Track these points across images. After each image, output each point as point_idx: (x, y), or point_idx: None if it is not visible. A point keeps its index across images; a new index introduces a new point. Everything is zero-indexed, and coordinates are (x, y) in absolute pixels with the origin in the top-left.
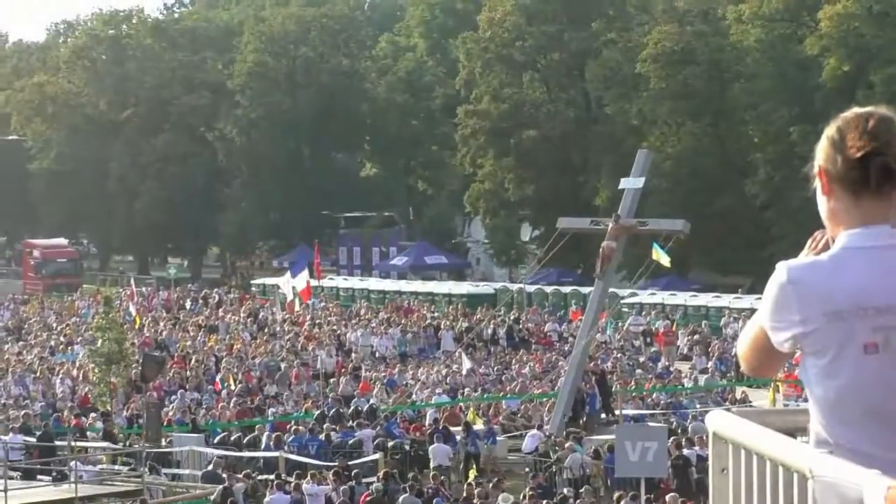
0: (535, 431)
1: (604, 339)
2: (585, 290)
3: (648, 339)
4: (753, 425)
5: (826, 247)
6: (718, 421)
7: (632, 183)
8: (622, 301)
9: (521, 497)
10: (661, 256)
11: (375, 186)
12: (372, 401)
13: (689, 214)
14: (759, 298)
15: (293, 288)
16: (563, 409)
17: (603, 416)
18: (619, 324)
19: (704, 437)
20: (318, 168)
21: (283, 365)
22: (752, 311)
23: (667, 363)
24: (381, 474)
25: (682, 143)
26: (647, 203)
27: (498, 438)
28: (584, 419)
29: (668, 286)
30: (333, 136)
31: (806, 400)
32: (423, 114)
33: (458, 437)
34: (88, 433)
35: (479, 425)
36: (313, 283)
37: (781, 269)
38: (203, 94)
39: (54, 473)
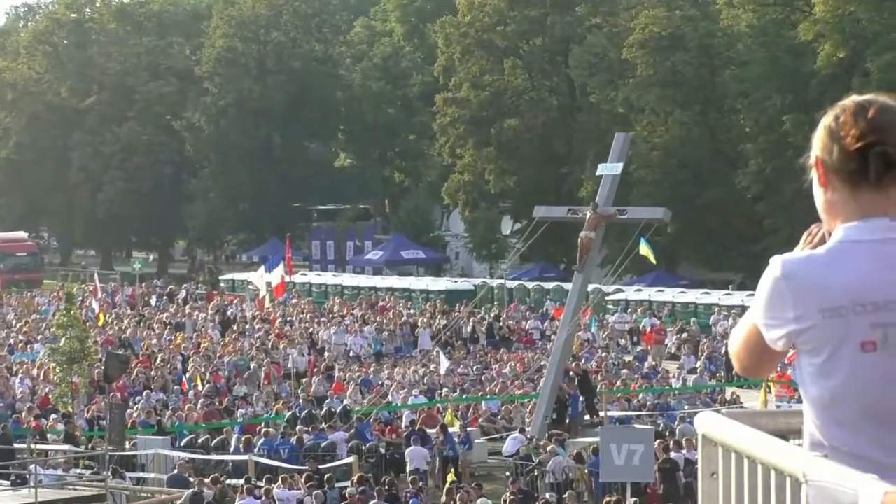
0: (516, 434)
1: (587, 336)
2: (568, 286)
3: (635, 338)
4: (744, 427)
5: (822, 241)
6: (708, 423)
7: (609, 169)
8: (607, 297)
9: (502, 502)
10: (649, 253)
11: (350, 177)
12: (346, 402)
13: (678, 207)
14: (751, 295)
15: (267, 283)
16: (544, 411)
17: (587, 417)
18: (604, 321)
19: (693, 440)
20: (290, 158)
21: (252, 364)
22: (744, 308)
23: (654, 363)
24: (355, 479)
25: (670, 132)
26: (632, 194)
27: (477, 441)
28: (568, 421)
29: (656, 282)
30: (306, 124)
31: (799, 401)
32: (399, 102)
33: (433, 441)
34: (49, 436)
35: (456, 427)
36: (287, 278)
37: (775, 264)
38: (170, 80)
39: (13, 478)
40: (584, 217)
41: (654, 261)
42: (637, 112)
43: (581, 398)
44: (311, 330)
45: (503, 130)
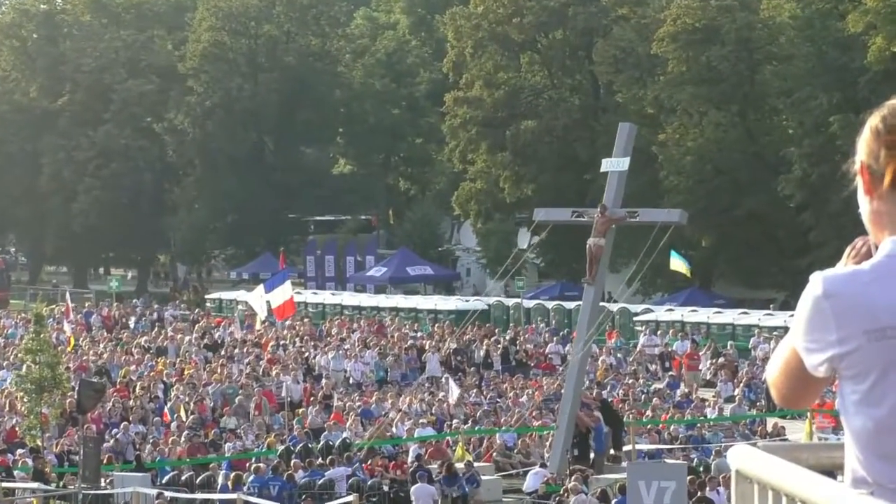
0: (538, 469)
1: (611, 361)
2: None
3: (667, 363)
4: (783, 462)
5: (868, 255)
6: (742, 457)
7: (615, 164)
8: (635, 318)
9: None
10: (681, 265)
11: (350, 186)
12: (345, 434)
13: (714, 218)
14: (794, 315)
15: (268, 303)
16: (562, 444)
17: (612, 451)
18: (632, 344)
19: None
20: (284, 164)
21: (241, 393)
22: (787, 329)
23: (687, 390)
24: None
25: (704, 135)
26: (663, 204)
27: (490, 478)
28: (593, 456)
29: (689, 301)
30: (301, 127)
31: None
32: (405, 102)
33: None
34: (16, 472)
35: (461, 463)
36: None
37: (816, 281)
38: (150, 78)
39: None
40: (592, 221)
41: (687, 273)
42: (668, 112)
43: (605, 430)
44: (306, 354)
45: (519, 133)
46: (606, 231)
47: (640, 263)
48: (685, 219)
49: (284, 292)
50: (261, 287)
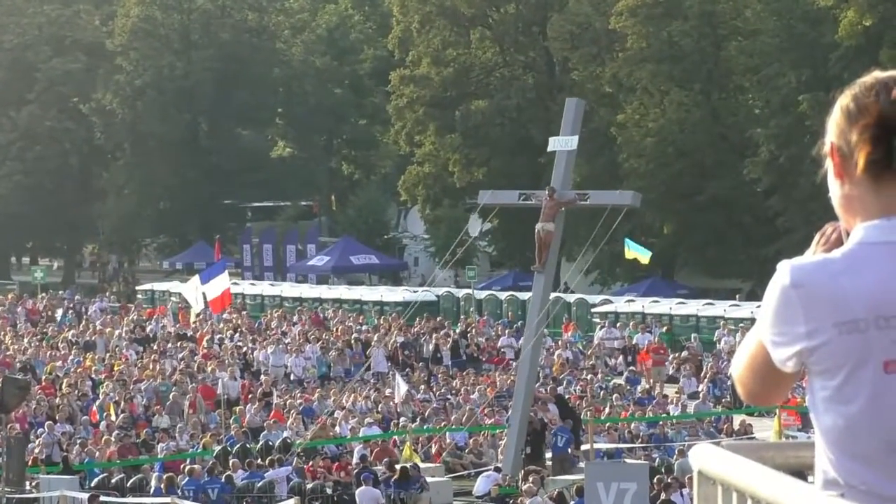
0: (489, 472)
1: (567, 355)
2: (551, 295)
3: (628, 358)
4: (748, 462)
5: (839, 242)
6: (704, 456)
7: (563, 143)
8: (593, 310)
9: None
10: (639, 254)
11: (290, 170)
12: (286, 434)
13: (676, 203)
14: (760, 306)
15: (203, 295)
16: (516, 443)
17: (568, 450)
18: (590, 338)
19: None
20: (219, 147)
21: (175, 390)
22: (753, 321)
23: (649, 386)
24: None
25: (666, 115)
26: (622, 188)
27: (440, 480)
28: (552, 455)
29: (650, 291)
30: (238, 108)
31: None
32: (348, 81)
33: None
34: None
35: (415, 463)
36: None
37: (784, 270)
38: (77, 56)
39: None
40: (540, 204)
41: (646, 262)
42: (627, 91)
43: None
44: (244, 349)
45: (470, 114)
46: (556, 215)
47: (597, 251)
48: (638, 201)
49: (221, 283)
50: (196, 278)
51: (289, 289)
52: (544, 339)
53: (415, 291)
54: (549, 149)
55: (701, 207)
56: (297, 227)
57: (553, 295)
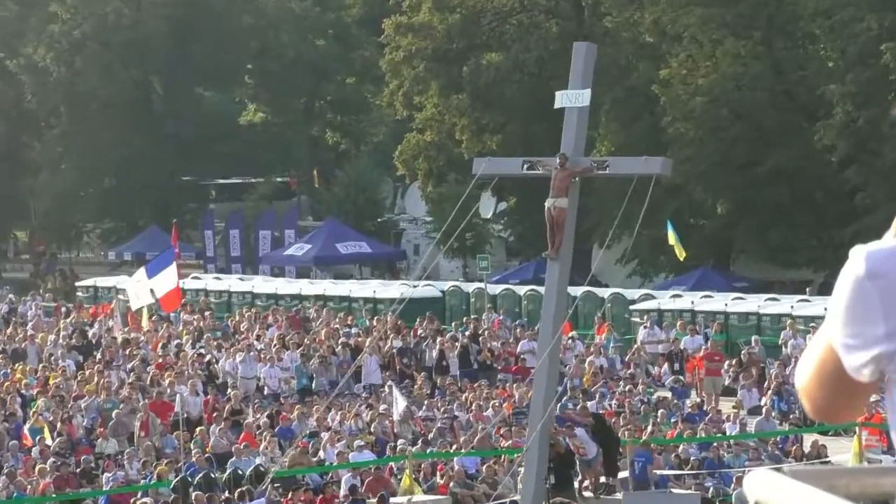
0: None
1: (601, 363)
2: (577, 291)
3: (675, 365)
4: (815, 492)
5: None
6: (763, 484)
7: (573, 98)
8: (632, 307)
9: None
10: (676, 243)
11: (262, 139)
12: (258, 461)
13: (732, 177)
14: (830, 302)
15: (151, 291)
16: (536, 469)
17: (604, 478)
18: (628, 341)
19: None
20: (177, 112)
21: (123, 408)
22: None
23: (700, 400)
24: None
25: (718, 71)
26: (666, 157)
27: None
28: (583, 483)
29: (701, 284)
30: (199, 64)
31: None
32: (332, 30)
33: None
34: None
35: (419, 496)
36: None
37: (858, 258)
38: (4, 4)
39: None
40: (549, 174)
41: (679, 253)
42: (671, 42)
43: (598, 450)
44: (208, 358)
45: (480, 70)
46: (568, 187)
47: (634, 236)
48: (668, 169)
49: (170, 277)
50: (141, 271)
51: (262, 284)
52: (574, 344)
53: (415, 286)
54: (557, 105)
55: (762, 181)
56: (272, 208)
57: (582, 290)
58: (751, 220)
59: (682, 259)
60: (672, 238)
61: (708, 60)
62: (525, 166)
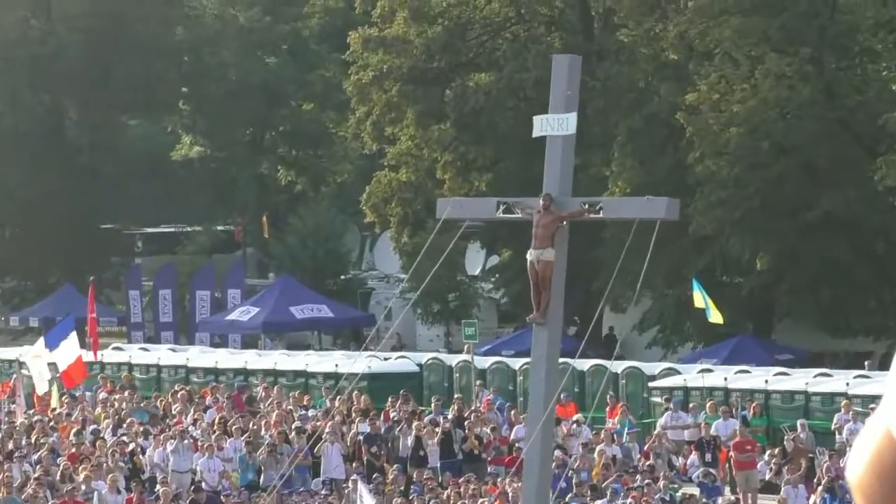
0: None
1: (613, 452)
2: (585, 364)
3: (708, 455)
4: None
5: None
6: None
7: (554, 125)
8: (651, 385)
9: None
10: (707, 306)
11: (200, 178)
12: None
13: (775, 223)
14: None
15: (52, 366)
16: None
17: None
18: (648, 426)
19: None
20: (95, 144)
21: None
22: None
23: (733, 498)
24: None
25: (758, 95)
26: (696, 202)
27: None
28: None
29: (736, 356)
30: (122, 86)
31: None
32: (286, 45)
33: None
34: None
35: None
36: (87, 355)
37: None
38: None
39: None
40: (530, 217)
41: (714, 317)
42: (700, 59)
43: None
44: (131, 446)
45: (467, 94)
46: (555, 233)
47: (654, 298)
48: (675, 212)
49: (72, 348)
50: (40, 342)
51: (199, 356)
52: (579, 429)
53: (386, 358)
54: (535, 133)
55: (811, 230)
56: (212, 263)
57: (592, 363)
58: (797, 278)
59: (716, 324)
60: (699, 299)
61: (745, 82)
62: (501, 208)
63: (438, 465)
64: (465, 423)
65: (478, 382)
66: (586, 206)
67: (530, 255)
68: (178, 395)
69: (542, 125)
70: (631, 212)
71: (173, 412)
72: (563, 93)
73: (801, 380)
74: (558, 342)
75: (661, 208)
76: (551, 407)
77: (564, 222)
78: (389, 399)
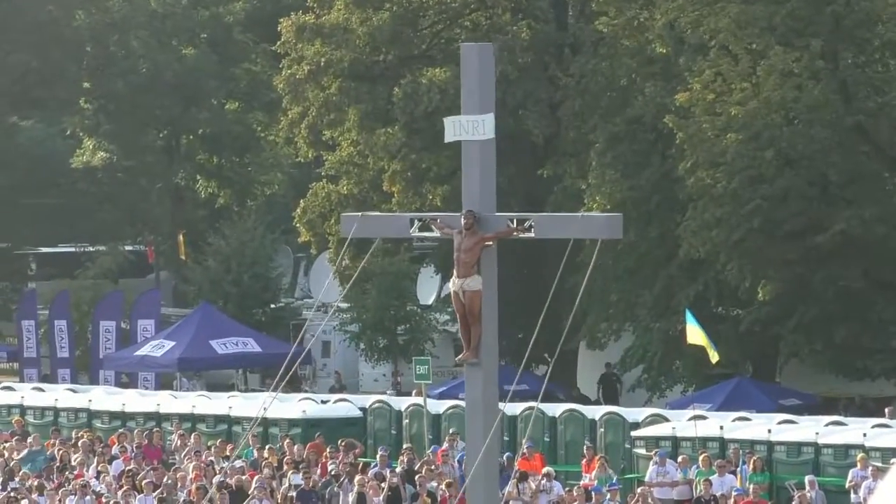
0: None
1: None
2: (559, 408)
3: None
4: None
5: None
6: None
7: (468, 128)
8: (634, 434)
9: None
10: (700, 338)
11: (105, 189)
12: None
13: (779, 248)
14: None
15: None
16: None
17: None
18: (631, 481)
19: None
20: None
21: None
22: None
23: None
24: None
25: (760, 95)
26: (687, 220)
27: None
28: None
29: (734, 401)
30: (11, 81)
31: None
32: (205, 34)
33: None
34: None
35: None
36: None
37: None
38: None
39: None
40: (450, 237)
41: (712, 357)
42: (693, 53)
43: None
44: (24, 503)
45: (419, 92)
46: (478, 259)
47: (637, 331)
48: (618, 229)
49: None
50: None
51: (103, 397)
52: (549, 485)
53: (323, 402)
54: (447, 138)
55: (821, 255)
56: (119, 288)
57: (564, 408)
58: (806, 311)
59: (712, 363)
60: (694, 334)
61: (745, 81)
62: (416, 225)
63: None
64: (417, 477)
65: (429, 433)
66: (514, 223)
67: (454, 286)
68: (79, 444)
69: (456, 129)
70: (566, 231)
71: (73, 463)
72: (475, 89)
73: (810, 429)
74: (495, 381)
75: (601, 227)
76: (493, 456)
77: (491, 243)
78: (328, 449)
